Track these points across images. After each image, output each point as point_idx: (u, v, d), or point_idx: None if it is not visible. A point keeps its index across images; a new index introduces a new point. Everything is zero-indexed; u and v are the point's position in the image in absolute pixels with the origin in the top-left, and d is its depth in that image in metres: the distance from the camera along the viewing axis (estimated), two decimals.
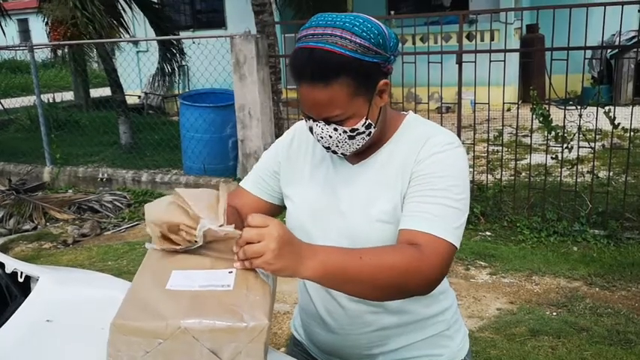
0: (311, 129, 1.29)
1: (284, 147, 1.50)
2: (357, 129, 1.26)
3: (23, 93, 14.78)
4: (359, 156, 1.36)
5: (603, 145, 6.49)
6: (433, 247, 1.19)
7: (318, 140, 1.29)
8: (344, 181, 1.37)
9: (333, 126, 1.25)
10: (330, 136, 1.26)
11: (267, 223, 1.07)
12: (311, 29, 1.21)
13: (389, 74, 1.28)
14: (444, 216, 1.22)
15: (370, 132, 1.28)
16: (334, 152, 1.31)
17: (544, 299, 3.91)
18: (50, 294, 1.39)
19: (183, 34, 11.15)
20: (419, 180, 1.27)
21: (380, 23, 1.25)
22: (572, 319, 3.61)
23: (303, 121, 1.37)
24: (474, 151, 5.64)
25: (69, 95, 15.18)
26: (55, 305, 1.36)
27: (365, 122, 1.26)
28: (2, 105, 12.63)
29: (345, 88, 1.19)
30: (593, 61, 9.25)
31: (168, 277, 1.15)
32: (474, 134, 5.52)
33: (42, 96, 11.36)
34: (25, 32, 28.82)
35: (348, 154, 1.31)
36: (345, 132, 1.25)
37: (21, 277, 1.49)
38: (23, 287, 1.48)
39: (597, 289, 4.02)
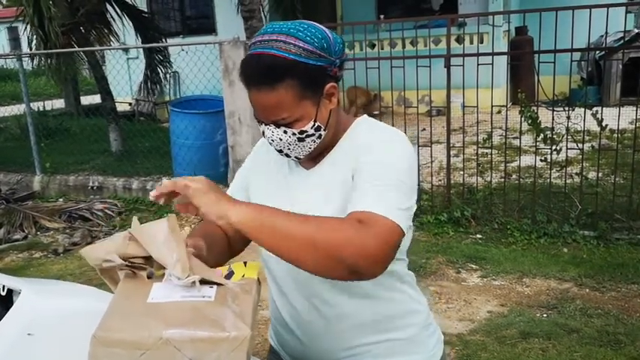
0: (263, 133, 1.33)
1: (251, 161, 1.55)
2: (306, 131, 1.29)
3: (13, 101, 14.73)
4: (313, 160, 1.39)
5: (592, 146, 6.52)
6: (376, 224, 1.16)
7: (270, 143, 1.34)
8: (299, 186, 1.40)
9: (283, 129, 1.29)
10: (281, 139, 1.30)
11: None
12: (259, 37, 1.28)
13: (338, 78, 1.33)
14: (387, 198, 1.20)
15: (320, 134, 1.32)
16: (287, 155, 1.35)
17: (534, 301, 3.92)
18: (32, 307, 1.38)
19: (173, 40, 11.13)
20: (362, 169, 1.27)
21: (325, 29, 1.30)
22: (563, 320, 3.62)
23: None
24: (463, 153, 5.65)
25: (60, 103, 15.13)
26: (36, 318, 1.35)
27: (314, 124, 1.30)
28: None
29: (290, 91, 1.24)
30: (582, 62, 9.31)
31: (150, 290, 1.15)
32: (464, 137, 5.53)
33: (32, 104, 11.34)
34: (15, 40, 28.71)
35: (301, 157, 1.35)
36: (294, 134, 1.29)
37: (3, 290, 1.49)
38: (5, 300, 1.48)
39: (587, 290, 4.04)
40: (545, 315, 3.72)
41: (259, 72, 1.23)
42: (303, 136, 1.29)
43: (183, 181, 1.16)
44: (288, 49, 1.23)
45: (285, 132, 1.29)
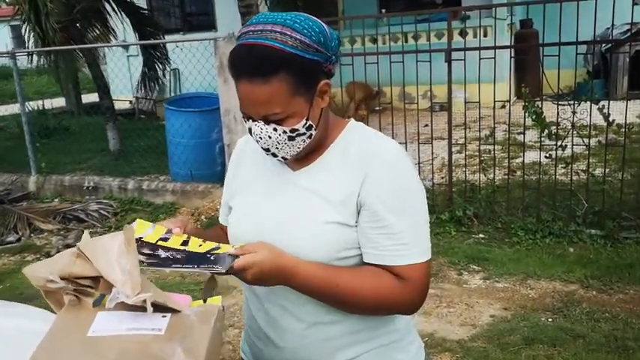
0: (250, 130, 1.25)
1: (231, 167, 1.49)
2: (297, 129, 1.23)
3: (14, 100, 14.62)
4: (300, 162, 1.33)
5: (599, 142, 6.35)
6: (415, 276, 1.23)
7: (257, 141, 1.26)
8: (286, 188, 1.32)
9: (273, 126, 1.22)
10: (270, 137, 1.23)
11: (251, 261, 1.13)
12: (251, 26, 1.20)
13: (331, 75, 1.27)
14: (414, 239, 1.25)
15: (311, 134, 1.25)
16: (274, 155, 1.28)
17: (539, 304, 3.77)
18: None
19: (173, 37, 10.99)
20: (376, 202, 1.23)
21: (322, 22, 1.24)
22: (569, 325, 3.47)
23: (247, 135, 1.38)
24: (465, 150, 5.49)
25: (61, 101, 15.04)
26: None
27: (305, 123, 1.23)
28: None
29: (284, 85, 1.17)
30: (588, 55, 9.11)
31: (92, 320, 1.02)
32: (465, 133, 5.37)
33: (34, 103, 11.25)
34: (18, 38, 28.61)
35: (288, 157, 1.27)
36: (284, 132, 1.22)
37: None
38: None
39: (594, 292, 3.89)
40: (550, 319, 3.57)
41: (252, 63, 1.16)
42: (294, 134, 1.22)
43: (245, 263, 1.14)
44: (284, 41, 1.16)
45: (275, 129, 1.21)
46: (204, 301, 1.12)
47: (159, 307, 1.03)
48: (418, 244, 1.25)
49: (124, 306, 1.01)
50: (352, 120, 1.38)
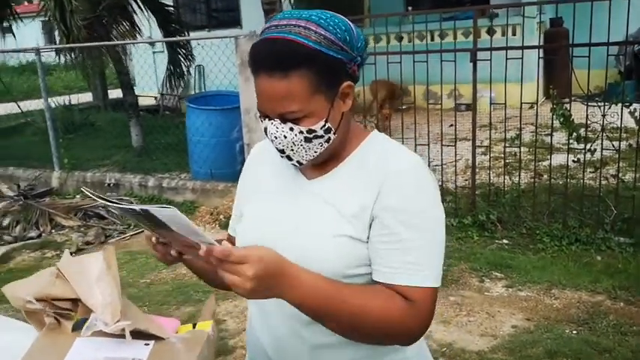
0: (266, 130, 1.19)
1: (243, 176, 1.43)
2: (315, 131, 1.16)
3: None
4: (316, 170, 1.26)
5: (630, 145, 6.14)
6: (422, 299, 1.14)
7: (272, 141, 1.19)
8: (299, 196, 1.26)
9: (289, 125, 1.15)
10: (285, 137, 1.17)
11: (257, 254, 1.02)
12: (275, 21, 1.17)
13: (355, 79, 1.21)
14: (428, 260, 1.16)
15: (329, 138, 1.18)
16: (289, 158, 1.21)
17: (564, 315, 3.63)
18: None
19: (198, 33, 11.01)
20: (388, 216, 1.15)
21: (348, 21, 1.19)
22: (594, 338, 3.33)
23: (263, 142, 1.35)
24: (490, 152, 5.35)
25: (88, 96, 15.20)
26: None
27: (324, 125, 1.17)
28: (19, 107, 12.70)
29: (305, 81, 1.12)
30: (620, 55, 8.86)
31: (70, 346, 0.95)
32: (490, 133, 5.22)
33: (60, 97, 11.38)
34: (49, 34, 29.03)
35: (303, 162, 1.21)
36: (301, 132, 1.16)
37: None
38: None
39: (622, 304, 3.73)
40: (574, 332, 3.43)
41: (274, 57, 1.12)
42: (311, 136, 1.17)
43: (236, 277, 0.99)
44: (307, 36, 1.12)
45: (291, 129, 1.16)
46: (194, 326, 1.04)
47: (142, 334, 0.95)
48: (431, 266, 1.15)
49: (104, 331, 0.94)
50: (375, 131, 1.31)
